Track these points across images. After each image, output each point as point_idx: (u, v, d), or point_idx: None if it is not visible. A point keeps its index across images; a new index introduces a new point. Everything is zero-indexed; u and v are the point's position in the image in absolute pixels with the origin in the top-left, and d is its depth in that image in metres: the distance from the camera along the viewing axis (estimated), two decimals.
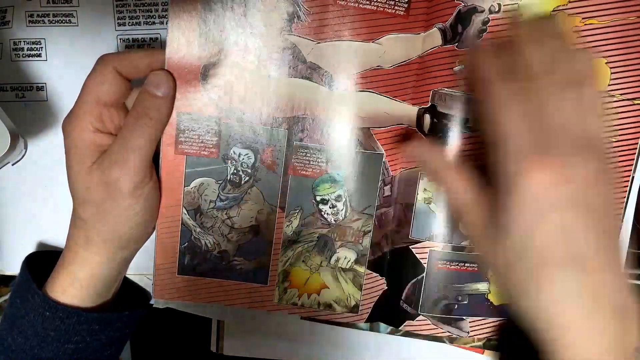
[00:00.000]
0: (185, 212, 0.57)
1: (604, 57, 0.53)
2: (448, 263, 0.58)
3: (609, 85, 0.54)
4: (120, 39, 0.65)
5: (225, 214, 0.57)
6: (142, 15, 0.65)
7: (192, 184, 0.56)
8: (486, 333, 0.61)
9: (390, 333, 0.65)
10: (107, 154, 0.51)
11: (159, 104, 0.52)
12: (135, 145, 0.50)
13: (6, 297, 0.71)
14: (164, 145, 0.54)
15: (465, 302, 0.59)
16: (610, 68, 0.54)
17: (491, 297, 0.60)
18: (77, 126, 0.51)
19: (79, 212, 0.53)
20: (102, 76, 0.51)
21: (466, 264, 0.58)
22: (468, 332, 0.61)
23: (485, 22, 0.53)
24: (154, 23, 0.66)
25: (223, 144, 0.55)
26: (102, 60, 0.51)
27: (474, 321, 0.60)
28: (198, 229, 0.58)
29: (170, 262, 0.58)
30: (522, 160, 0.41)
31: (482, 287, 0.59)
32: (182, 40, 0.52)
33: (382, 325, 0.63)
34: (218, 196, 0.57)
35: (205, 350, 0.70)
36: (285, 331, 0.68)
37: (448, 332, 0.61)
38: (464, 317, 0.60)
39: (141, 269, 0.66)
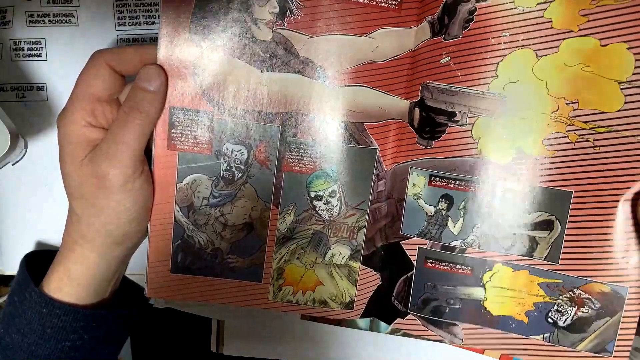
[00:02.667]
0: (178, 209, 0.56)
1: (624, 41, 0.50)
2: (437, 262, 0.57)
3: (632, 74, 0.50)
4: (120, 38, 0.66)
5: (219, 211, 0.57)
6: (142, 15, 0.66)
7: (185, 181, 0.56)
8: (483, 343, 0.59)
9: (390, 333, 0.64)
10: (98, 147, 0.51)
11: (150, 98, 0.52)
12: (126, 139, 0.50)
13: (6, 297, 0.71)
14: (157, 140, 0.54)
15: (458, 307, 0.57)
16: (634, 54, 0.50)
17: (488, 306, 0.57)
18: (69, 121, 0.51)
19: (74, 207, 0.53)
20: (94, 71, 0.51)
21: (457, 266, 0.57)
22: (462, 339, 0.59)
23: (471, 12, 0.52)
24: (154, 23, 0.66)
25: (216, 140, 0.55)
26: (95, 56, 0.52)
27: (470, 329, 0.58)
28: (191, 227, 0.57)
29: (163, 260, 0.58)
30: None
31: (476, 292, 0.57)
32: (174, 35, 0.52)
33: (382, 325, 0.63)
34: (211, 193, 0.56)
35: (205, 350, 0.69)
36: (286, 331, 0.68)
37: (440, 335, 0.59)
38: (457, 323, 0.58)
39: (141, 269, 0.65)
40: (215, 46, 0.53)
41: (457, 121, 0.54)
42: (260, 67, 0.54)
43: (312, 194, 0.57)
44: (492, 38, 0.52)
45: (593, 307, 0.55)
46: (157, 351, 0.77)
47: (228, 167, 0.56)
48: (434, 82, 0.53)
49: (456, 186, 0.55)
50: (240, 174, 0.56)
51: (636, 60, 0.50)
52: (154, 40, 0.66)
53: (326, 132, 0.55)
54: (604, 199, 0.53)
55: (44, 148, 0.67)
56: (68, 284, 0.54)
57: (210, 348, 0.69)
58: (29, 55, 0.66)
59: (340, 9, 0.53)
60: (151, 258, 0.58)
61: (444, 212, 0.56)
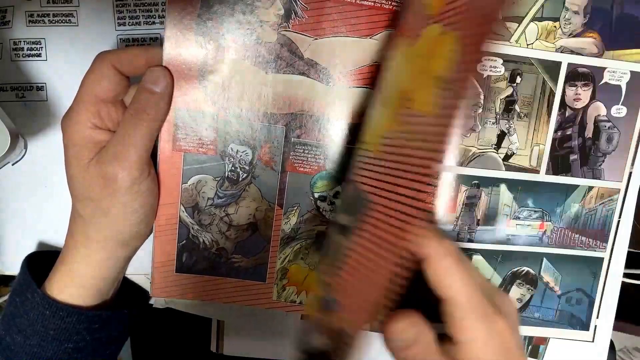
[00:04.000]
0: (183, 209, 0.57)
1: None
2: None
3: None
4: (120, 38, 0.65)
5: (223, 211, 0.57)
6: (142, 15, 0.65)
7: (190, 181, 0.56)
8: None
9: None
10: (105, 149, 0.51)
11: (156, 100, 0.52)
12: (133, 141, 0.50)
13: (6, 297, 0.71)
14: (162, 141, 0.54)
15: None
16: None
17: None
18: (75, 123, 0.51)
19: (78, 209, 0.53)
20: (100, 73, 0.51)
21: None
22: None
23: None
24: (154, 23, 0.66)
25: (221, 141, 0.55)
26: (100, 57, 0.51)
27: None
28: (196, 227, 0.57)
29: (168, 260, 0.58)
30: None
31: None
32: (180, 37, 0.52)
33: None
34: (216, 193, 0.57)
35: (205, 350, 0.70)
36: (286, 331, 0.68)
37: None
38: None
39: (141, 269, 0.66)
40: (220, 48, 0.53)
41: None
42: (265, 69, 0.54)
43: (317, 195, 0.57)
44: None
45: None
46: (157, 351, 0.77)
47: (233, 168, 0.56)
48: None
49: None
50: (244, 175, 0.56)
51: None
52: (153, 40, 0.66)
53: (330, 133, 0.56)
54: None
55: (44, 148, 0.67)
56: (71, 285, 0.54)
57: (210, 348, 0.69)
58: (29, 55, 0.66)
59: (344, 11, 0.53)
60: (156, 258, 0.58)
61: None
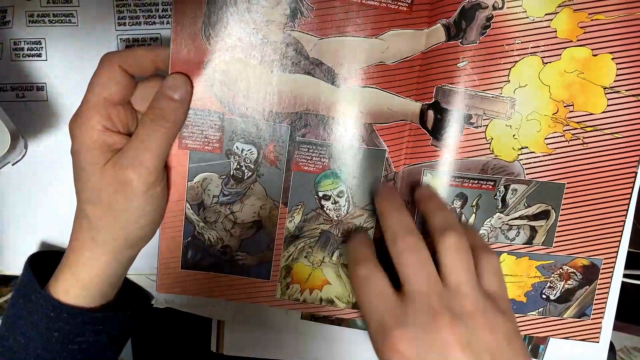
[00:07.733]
0: (189, 206, 0.57)
1: (609, 52, 0.55)
2: None
3: (614, 81, 0.56)
4: (120, 38, 0.66)
5: (228, 209, 0.58)
6: (142, 15, 0.66)
7: (196, 179, 0.56)
8: None
9: None
10: (122, 154, 0.50)
11: (175, 106, 0.52)
12: (151, 147, 0.50)
13: (6, 297, 0.71)
14: None
15: None
16: (616, 64, 0.56)
17: None
18: (86, 126, 0.50)
19: (87, 212, 0.52)
20: (108, 75, 0.50)
21: None
22: None
23: (489, 19, 0.54)
24: (154, 23, 0.66)
25: (226, 139, 0.55)
26: (107, 58, 0.51)
27: None
28: (201, 224, 0.58)
29: (173, 257, 0.59)
30: None
31: None
32: (186, 37, 0.53)
33: None
34: (221, 191, 0.57)
35: (205, 350, 0.70)
36: (285, 331, 0.68)
37: None
38: None
39: (141, 269, 0.65)
40: (226, 47, 0.53)
41: (473, 123, 0.55)
42: (271, 68, 0.54)
43: (320, 194, 0.58)
44: (505, 45, 0.55)
45: (576, 279, 0.61)
46: (158, 351, 0.76)
47: (238, 166, 0.56)
48: (450, 85, 0.55)
49: (470, 185, 0.57)
50: (250, 173, 0.57)
51: (617, 69, 0.56)
52: (154, 40, 0.66)
53: (335, 132, 0.56)
54: (589, 188, 0.59)
55: (44, 148, 0.67)
56: (76, 287, 0.54)
57: (210, 348, 0.69)
58: (29, 55, 0.66)
59: (350, 11, 0.54)
60: (162, 254, 0.59)
61: (457, 210, 0.57)
